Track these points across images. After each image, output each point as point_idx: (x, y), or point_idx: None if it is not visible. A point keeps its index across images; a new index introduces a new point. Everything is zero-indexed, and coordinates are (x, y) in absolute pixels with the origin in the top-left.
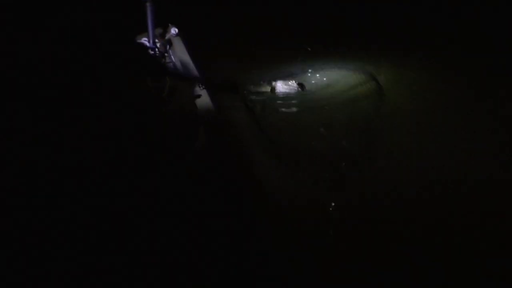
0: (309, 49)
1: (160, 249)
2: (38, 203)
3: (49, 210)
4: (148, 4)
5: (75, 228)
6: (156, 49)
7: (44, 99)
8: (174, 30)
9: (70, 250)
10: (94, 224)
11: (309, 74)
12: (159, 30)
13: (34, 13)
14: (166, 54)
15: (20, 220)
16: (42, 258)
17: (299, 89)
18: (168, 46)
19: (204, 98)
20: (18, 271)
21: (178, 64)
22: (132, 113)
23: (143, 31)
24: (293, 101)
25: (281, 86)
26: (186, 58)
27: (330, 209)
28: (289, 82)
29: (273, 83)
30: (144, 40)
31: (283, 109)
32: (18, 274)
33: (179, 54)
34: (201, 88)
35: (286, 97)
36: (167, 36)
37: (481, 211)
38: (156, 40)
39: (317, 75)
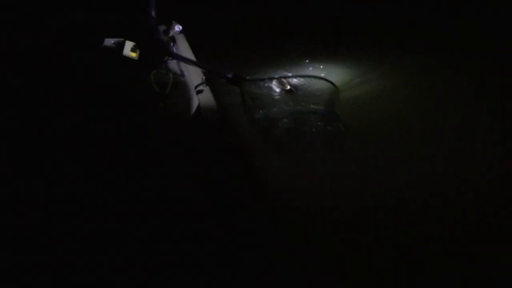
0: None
1: (159, 249)
2: (34, 202)
3: (45, 210)
4: None
5: (71, 228)
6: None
7: (43, 98)
8: (178, 28)
9: (67, 251)
10: (91, 223)
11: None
12: (162, 27)
13: (34, 13)
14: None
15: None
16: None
17: (291, 89)
18: (172, 44)
19: (206, 96)
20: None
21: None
22: (134, 111)
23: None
24: (289, 101)
25: (277, 86)
26: (190, 55)
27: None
28: (285, 83)
29: (270, 83)
30: None
31: (278, 108)
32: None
33: (182, 52)
34: (204, 85)
35: (280, 97)
36: (170, 34)
37: (481, 211)
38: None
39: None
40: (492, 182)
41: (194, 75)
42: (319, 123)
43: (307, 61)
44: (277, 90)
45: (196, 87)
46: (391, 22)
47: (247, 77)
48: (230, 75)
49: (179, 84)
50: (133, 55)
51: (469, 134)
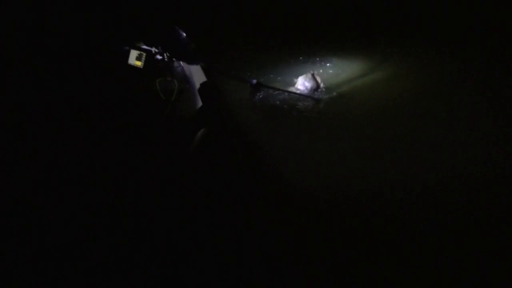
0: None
1: (162, 246)
2: (36, 202)
3: (46, 210)
4: None
5: (71, 229)
6: None
7: (49, 100)
8: (182, 35)
9: (65, 250)
10: (92, 224)
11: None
12: None
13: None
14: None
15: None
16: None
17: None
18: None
19: (211, 101)
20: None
21: (186, 68)
22: (139, 116)
23: None
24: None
25: (309, 81)
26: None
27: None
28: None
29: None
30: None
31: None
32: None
33: None
34: (210, 90)
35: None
36: None
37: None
38: None
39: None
40: (488, 179)
41: (198, 81)
42: (304, 104)
43: (300, 58)
44: (308, 86)
45: (199, 89)
46: (393, 21)
47: (266, 85)
48: (254, 82)
49: (185, 91)
50: (138, 63)
51: (471, 133)
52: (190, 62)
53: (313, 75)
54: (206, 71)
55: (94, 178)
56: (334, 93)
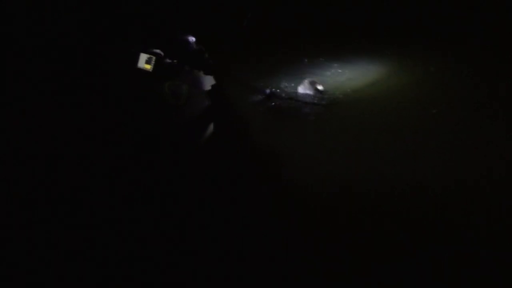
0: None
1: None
2: (41, 204)
3: (51, 209)
4: None
5: (73, 226)
6: None
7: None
8: (191, 40)
9: (66, 248)
10: (95, 221)
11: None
12: None
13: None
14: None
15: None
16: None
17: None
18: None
19: (218, 106)
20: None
21: (195, 72)
22: (148, 119)
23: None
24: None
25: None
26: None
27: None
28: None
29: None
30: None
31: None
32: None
33: None
34: (217, 95)
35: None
36: None
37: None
38: None
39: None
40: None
41: (208, 85)
42: (306, 108)
43: (306, 60)
44: (310, 93)
45: (208, 93)
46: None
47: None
48: (267, 92)
49: (194, 95)
50: (148, 67)
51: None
52: (201, 68)
53: (311, 82)
54: (216, 76)
55: (98, 179)
56: (338, 96)
